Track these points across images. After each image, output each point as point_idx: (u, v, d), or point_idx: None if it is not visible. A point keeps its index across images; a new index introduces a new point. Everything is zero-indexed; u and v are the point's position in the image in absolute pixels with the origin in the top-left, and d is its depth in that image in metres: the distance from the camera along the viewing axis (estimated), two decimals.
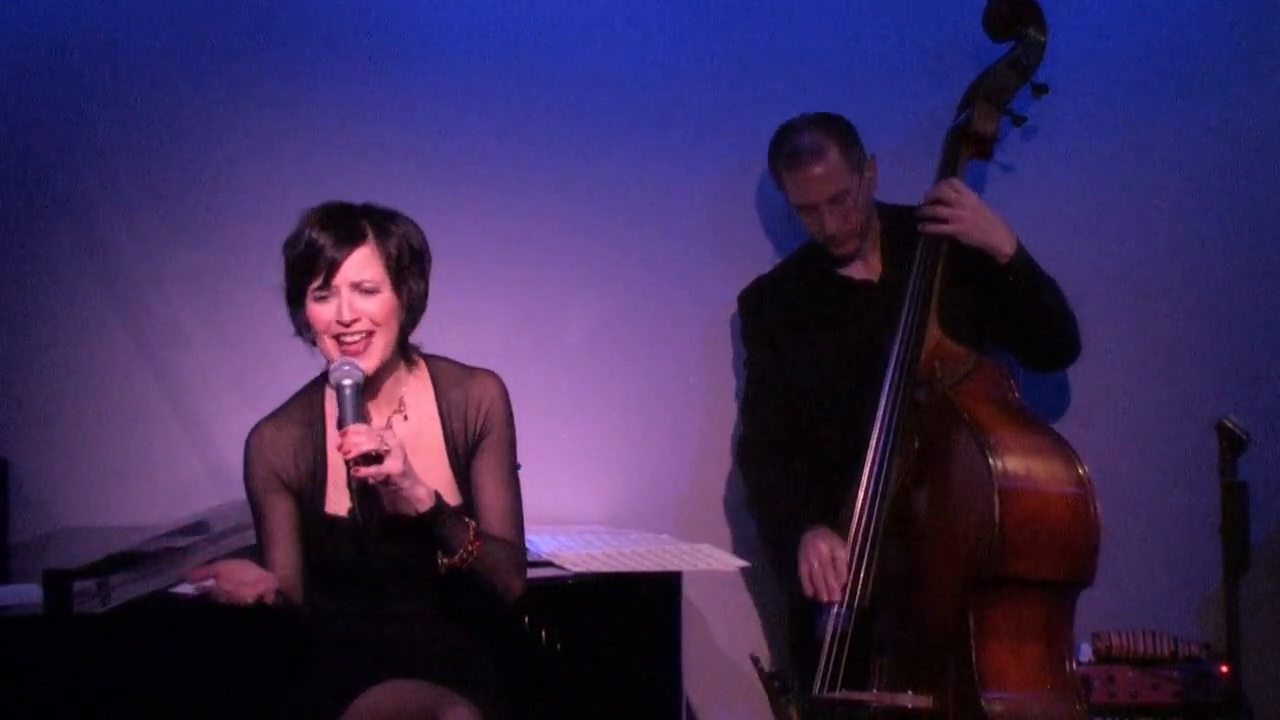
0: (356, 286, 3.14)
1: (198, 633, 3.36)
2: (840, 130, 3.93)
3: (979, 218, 3.83)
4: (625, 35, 4.27)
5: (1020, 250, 3.84)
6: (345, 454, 3.05)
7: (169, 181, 4.16)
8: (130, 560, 3.40)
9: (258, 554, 3.81)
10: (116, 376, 4.13)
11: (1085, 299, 3.99)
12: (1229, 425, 3.51)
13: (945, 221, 3.81)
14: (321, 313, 3.15)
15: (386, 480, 3.06)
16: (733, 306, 4.16)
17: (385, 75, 4.21)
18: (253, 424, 4.20)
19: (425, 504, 3.10)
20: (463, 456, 3.24)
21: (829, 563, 3.68)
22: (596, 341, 4.26)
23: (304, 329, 3.21)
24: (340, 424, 3.10)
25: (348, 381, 3.11)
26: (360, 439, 3.05)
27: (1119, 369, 4.25)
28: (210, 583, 3.08)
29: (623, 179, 4.27)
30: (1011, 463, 3.53)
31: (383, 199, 3.22)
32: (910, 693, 3.55)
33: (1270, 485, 4.03)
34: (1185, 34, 4.30)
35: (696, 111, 4.28)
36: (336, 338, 3.14)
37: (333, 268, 3.12)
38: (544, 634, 3.50)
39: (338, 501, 3.19)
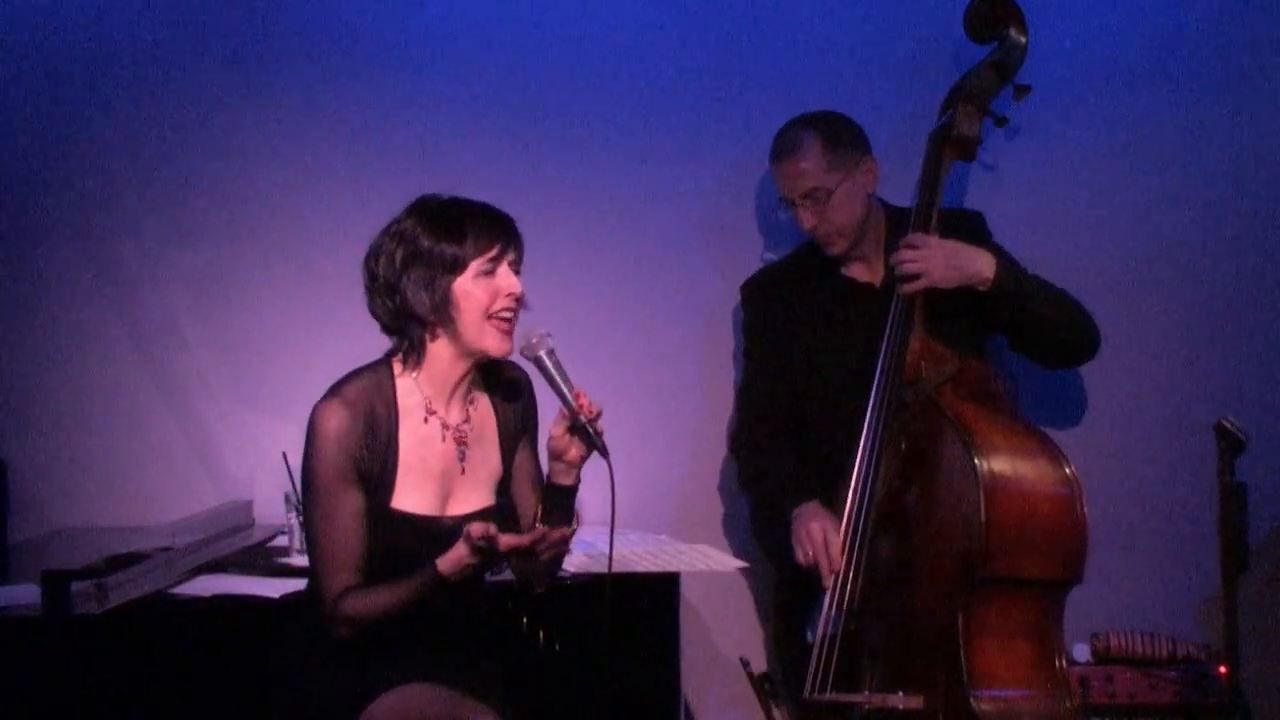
0: (516, 263, 3.14)
1: (197, 633, 3.37)
2: (830, 128, 3.90)
3: (947, 256, 3.77)
4: (618, 38, 4.28)
5: (1001, 271, 3.78)
6: (591, 412, 3.08)
7: (168, 183, 4.16)
8: (129, 560, 3.41)
9: (260, 553, 3.83)
10: (116, 377, 4.13)
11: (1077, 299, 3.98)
12: (1228, 425, 3.50)
13: (917, 276, 3.76)
14: (491, 285, 3.08)
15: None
16: (731, 306, 4.17)
17: (384, 77, 4.21)
18: (253, 424, 4.20)
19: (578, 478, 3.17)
20: (512, 446, 3.24)
21: (823, 542, 3.67)
22: (594, 342, 4.25)
23: (441, 305, 3.07)
24: (562, 389, 3.08)
25: (545, 350, 3.09)
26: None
27: (1118, 369, 4.24)
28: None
29: (619, 179, 4.27)
30: (997, 463, 3.52)
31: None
32: (901, 693, 3.54)
33: (1269, 485, 4.02)
34: (1168, 31, 4.30)
35: (689, 112, 4.28)
36: (495, 313, 3.09)
37: (520, 248, 3.13)
38: (542, 634, 3.50)
39: (404, 496, 3.09)
